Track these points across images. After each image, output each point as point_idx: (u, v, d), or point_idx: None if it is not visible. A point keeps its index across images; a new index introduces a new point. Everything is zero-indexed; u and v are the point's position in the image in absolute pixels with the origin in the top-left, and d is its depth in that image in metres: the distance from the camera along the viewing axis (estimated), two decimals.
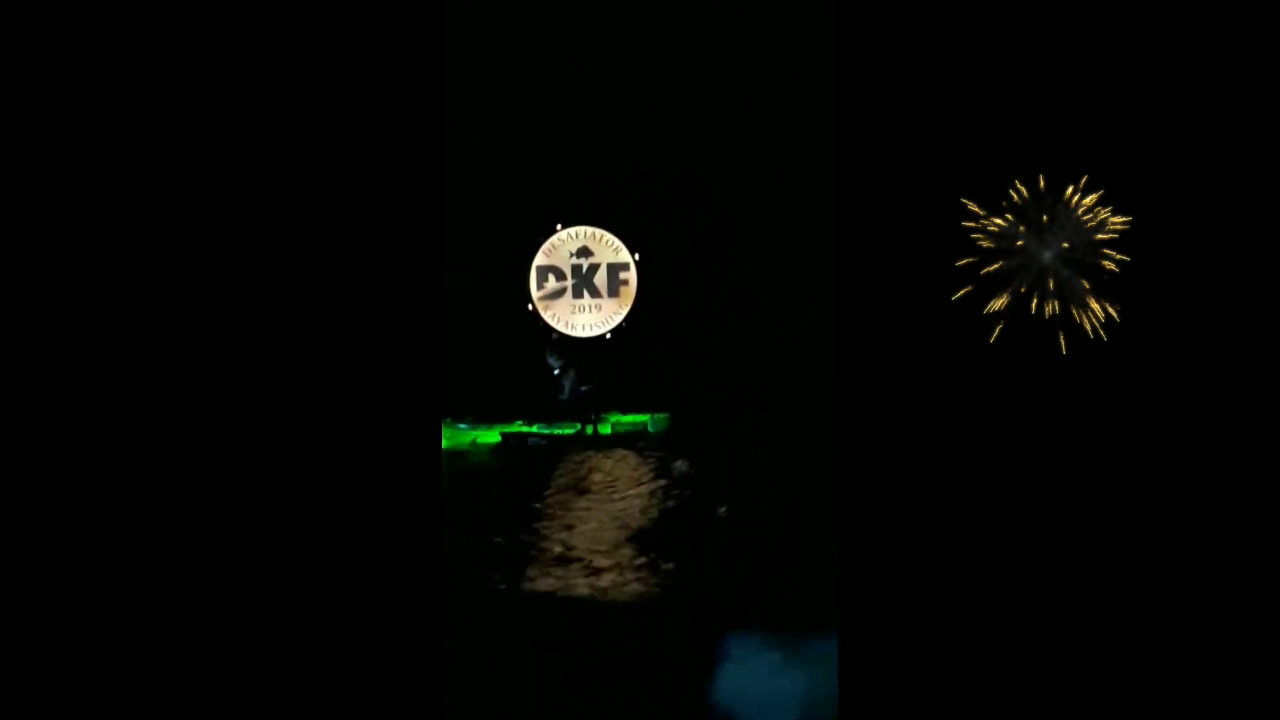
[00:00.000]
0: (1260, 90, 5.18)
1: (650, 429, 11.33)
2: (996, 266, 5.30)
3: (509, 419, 11.21)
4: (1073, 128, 5.57)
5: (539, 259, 11.53)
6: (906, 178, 5.73)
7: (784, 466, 8.40)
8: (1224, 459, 5.28)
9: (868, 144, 5.85)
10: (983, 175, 5.59)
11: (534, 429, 11.18)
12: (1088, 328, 5.28)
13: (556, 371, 11.57)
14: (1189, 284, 5.43)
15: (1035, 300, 5.26)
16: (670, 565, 6.37)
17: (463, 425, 11.19)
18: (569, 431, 11.17)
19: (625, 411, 11.39)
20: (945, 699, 5.18)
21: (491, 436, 11.08)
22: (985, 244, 5.33)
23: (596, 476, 9.52)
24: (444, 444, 10.92)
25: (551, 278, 11.56)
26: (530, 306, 11.51)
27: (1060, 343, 5.15)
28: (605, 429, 11.28)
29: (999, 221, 5.33)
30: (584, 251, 11.55)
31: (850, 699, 5.06)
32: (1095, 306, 5.23)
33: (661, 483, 8.42)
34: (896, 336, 5.61)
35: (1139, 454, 5.37)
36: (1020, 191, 5.42)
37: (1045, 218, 5.43)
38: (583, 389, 11.49)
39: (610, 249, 11.53)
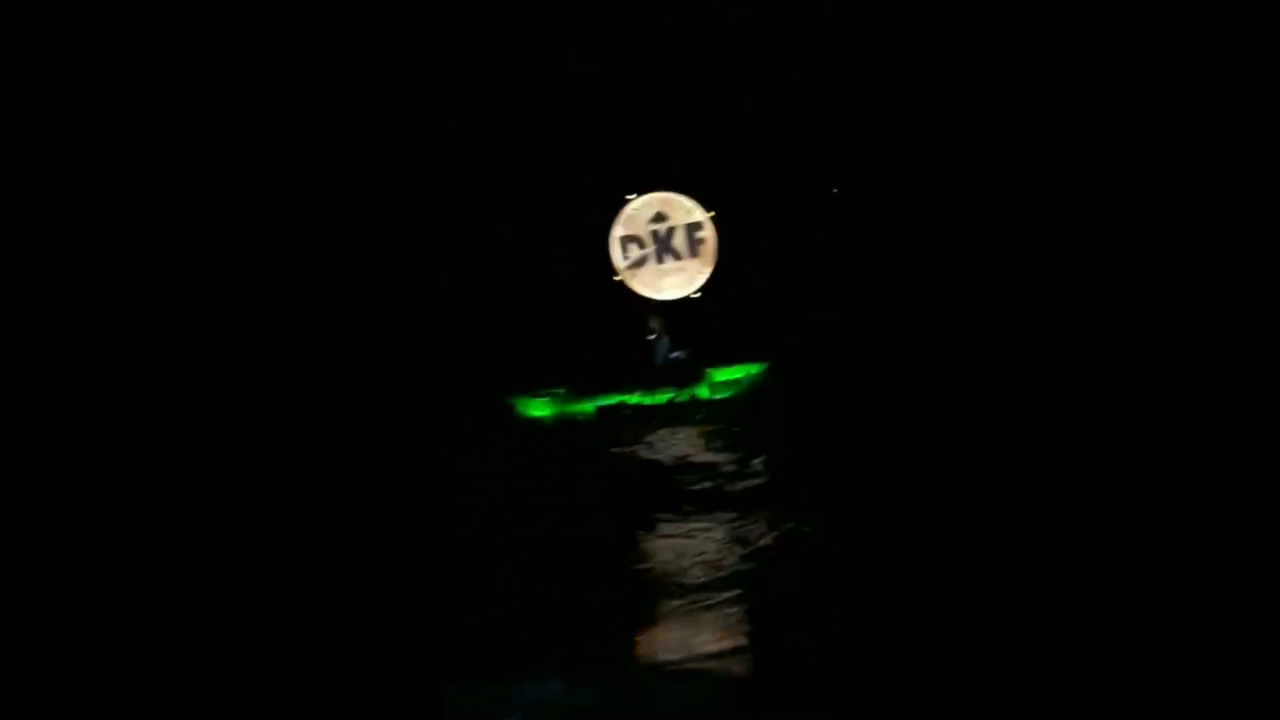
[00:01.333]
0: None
1: (747, 383, 11.27)
2: None
3: (606, 391, 11.31)
4: (1077, 128, 5.18)
5: (618, 230, 11.59)
6: (909, 179, 5.45)
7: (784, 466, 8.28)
8: (1227, 464, 4.92)
9: (868, 141, 5.59)
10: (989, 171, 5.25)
11: (633, 398, 11.27)
12: None
13: (652, 338, 11.64)
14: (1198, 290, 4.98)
15: None
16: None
17: (557, 396, 11.30)
18: (665, 399, 11.22)
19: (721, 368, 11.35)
20: (945, 700, 5.13)
21: (587, 408, 11.20)
22: None
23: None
24: (541, 415, 11.14)
25: (634, 246, 11.64)
26: (616, 277, 11.61)
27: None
28: (703, 392, 11.27)
29: None
30: (659, 217, 11.56)
31: (850, 700, 5.06)
32: None
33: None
34: (897, 336, 5.41)
35: (1140, 446, 5.07)
36: None
37: None
38: (676, 354, 11.52)
39: (683, 210, 11.53)
